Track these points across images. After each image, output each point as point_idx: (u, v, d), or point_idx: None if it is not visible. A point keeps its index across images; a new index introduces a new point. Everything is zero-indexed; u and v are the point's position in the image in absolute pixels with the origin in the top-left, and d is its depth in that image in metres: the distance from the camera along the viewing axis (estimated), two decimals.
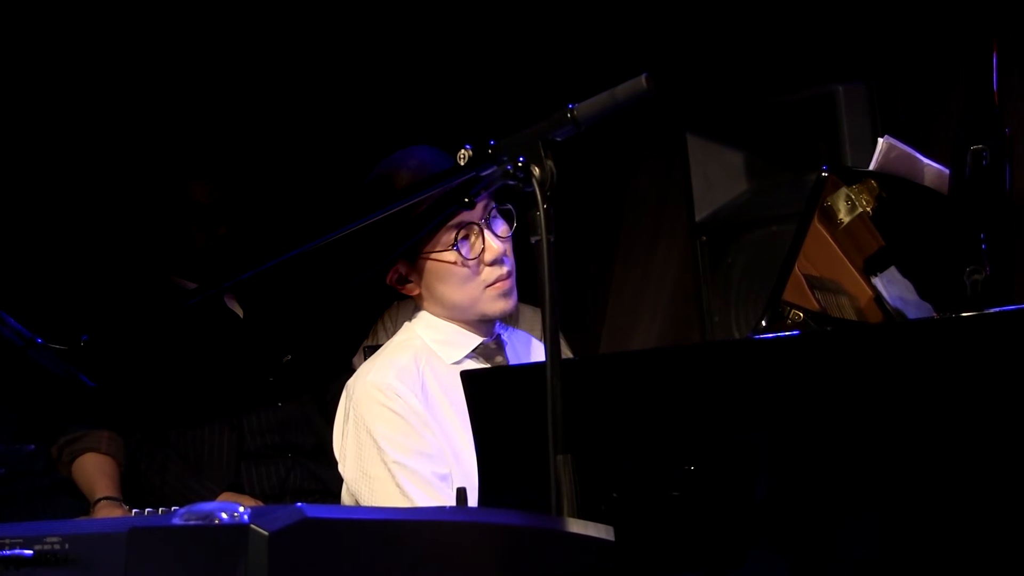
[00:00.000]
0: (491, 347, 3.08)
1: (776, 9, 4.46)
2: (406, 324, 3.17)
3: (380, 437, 2.93)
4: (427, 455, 2.92)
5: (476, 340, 3.06)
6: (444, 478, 2.91)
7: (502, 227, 3.04)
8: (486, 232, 2.99)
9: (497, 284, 3.01)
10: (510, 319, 3.19)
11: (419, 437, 2.92)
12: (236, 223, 4.18)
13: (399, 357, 3.05)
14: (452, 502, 2.65)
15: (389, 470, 2.92)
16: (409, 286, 3.08)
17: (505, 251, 3.03)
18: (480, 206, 2.98)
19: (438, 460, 2.92)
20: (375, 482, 2.95)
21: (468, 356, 3.05)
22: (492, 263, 3.00)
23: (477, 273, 3.00)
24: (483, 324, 3.06)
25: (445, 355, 3.04)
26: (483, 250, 2.99)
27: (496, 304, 3.02)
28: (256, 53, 4.77)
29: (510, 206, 3.03)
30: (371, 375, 3.02)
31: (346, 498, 3.07)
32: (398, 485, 2.90)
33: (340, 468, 3.06)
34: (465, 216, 2.96)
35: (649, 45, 4.69)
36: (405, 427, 2.93)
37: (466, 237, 2.99)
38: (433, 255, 3.00)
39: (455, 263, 2.99)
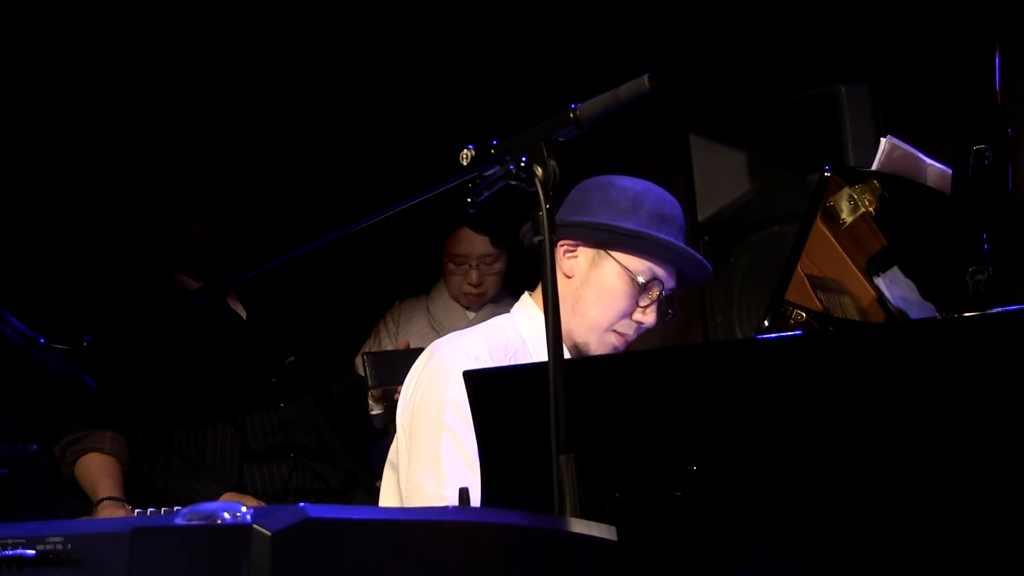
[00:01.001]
0: None
1: (779, 10, 4.46)
2: (505, 314, 3.16)
3: (447, 399, 2.90)
4: None
5: (565, 354, 3.05)
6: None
7: (668, 314, 3.08)
8: (659, 304, 3.04)
9: (621, 338, 3.05)
10: None
11: None
12: (231, 210, 4.18)
13: (494, 337, 3.04)
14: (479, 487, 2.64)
15: (438, 432, 2.89)
16: (570, 264, 3.07)
17: (649, 326, 3.06)
18: (672, 283, 3.06)
19: None
20: (419, 437, 2.92)
21: None
22: (638, 322, 3.05)
23: (623, 316, 3.04)
24: (575, 348, 3.06)
25: (536, 351, 3.02)
26: (647, 309, 3.04)
27: (602, 348, 3.05)
28: (258, 52, 4.77)
29: (679, 304, 3.10)
30: (463, 341, 3.01)
31: (395, 455, 3.03)
32: (437, 448, 2.87)
33: (401, 417, 3.03)
34: (664, 276, 3.02)
35: (652, 45, 4.70)
36: None
37: (648, 289, 3.02)
38: (623, 262, 3.02)
39: (626, 291, 3.01)
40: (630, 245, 3.00)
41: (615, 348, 3.05)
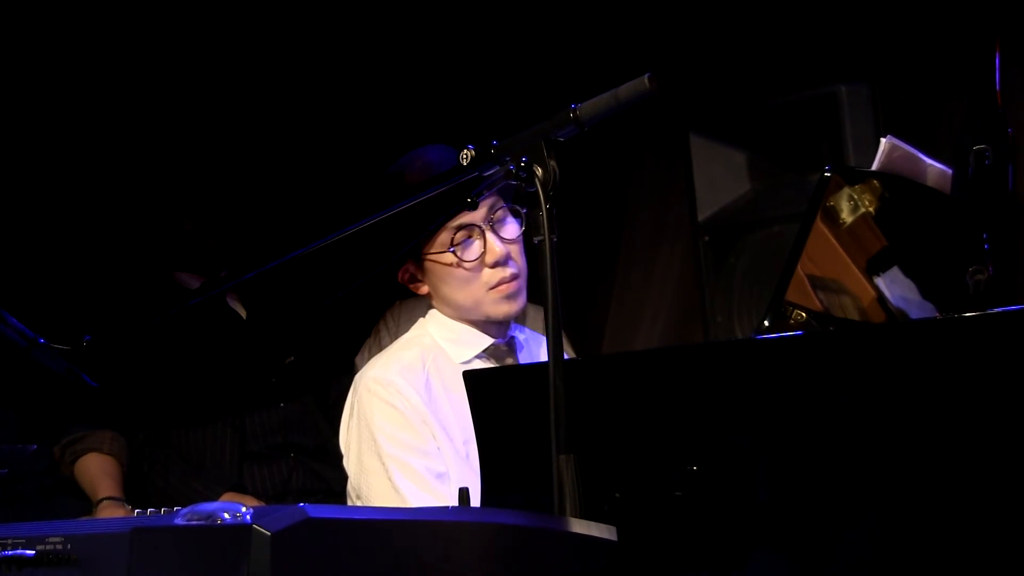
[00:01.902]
0: (502, 348, 3.07)
1: (779, 10, 4.46)
2: (419, 320, 3.17)
3: (378, 431, 2.94)
4: (424, 451, 2.92)
5: (487, 341, 3.05)
6: (441, 476, 2.91)
7: (508, 228, 3.02)
8: (488, 234, 2.98)
9: (500, 287, 3.00)
10: (523, 320, 3.18)
11: (417, 433, 2.93)
12: (227, 209, 4.18)
13: (405, 353, 3.05)
14: (448, 500, 2.66)
15: (384, 464, 2.93)
16: (418, 285, 3.10)
17: (509, 253, 3.00)
18: (485, 207, 2.96)
19: (435, 457, 2.92)
20: (371, 475, 2.96)
21: (478, 356, 3.04)
22: (494, 265, 2.99)
23: (478, 275, 3.00)
24: (493, 325, 3.05)
25: (454, 354, 3.03)
26: (484, 252, 2.98)
27: (499, 307, 3.01)
28: (258, 52, 4.77)
29: (519, 207, 3.01)
30: (374, 370, 3.03)
31: (351, 491, 3.07)
32: (390, 479, 2.91)
33: (344, 462, 3.07)
34: (466, 217, 2.95)
35: (652, 45, 4.69)
36: (403, 422, 2.94)
37: (469, 238, 2.98)
38: (431, 256, 3.00)
39: (453, 264, 2.98)
40: (413, 236, 2.93)
41: (508, 296, 3.00)
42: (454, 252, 2.96)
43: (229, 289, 4.18)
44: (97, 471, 3.88)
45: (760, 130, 4.38)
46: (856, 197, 2.79)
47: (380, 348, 4.65)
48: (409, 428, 2.93)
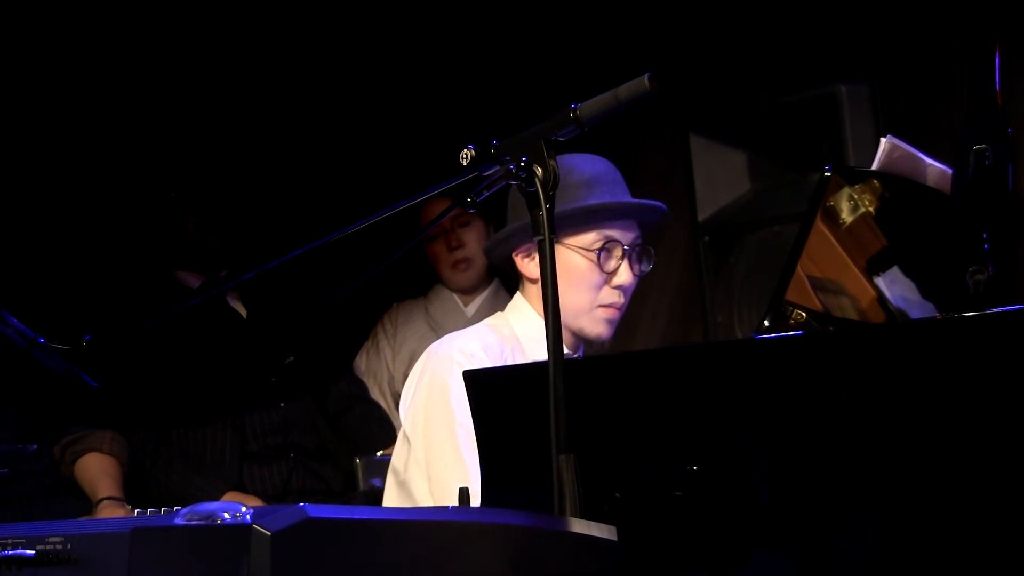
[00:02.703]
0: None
1: (779, 10, 4.46)
2: (499, 312, 3.17)
3: (454, 399, 2.91)
4: None
5: (563, 349, 3.04)
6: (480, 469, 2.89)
7: (643, 264, 3.06)
8: (627, 260, 3.02)
9: (608, 308, 3.03)
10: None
11: None
12: (228, 207, 4.18)
13: (488, 336, 3.05)
14: None
15: (454, 432, 2.90)
16: (532, 266, 3.08)
17: (631, 284, 3.05)
18: (633, 234, 3.03)
19: None
20: (436, 442, 2.93)
21: None
22: (616, 287, 3.02)
23: (600, 288, 3.02)
24: (573, 338, 3.05)
25: (530, 351, 3.02)
26: (616, 272, 3.01)
27: (598, 327, 3.04)
28: (259, 52, 4.77)
29: (652, 249, 3.07)
30: (459, 341, 3.02)
31: (399, 460, 3.04)
32: (456, 448, 2.89)
33: (406, 425, 3.03)
34: (616, 232, 3.00)
35: (652, 45, 4.70)
36: None
37: (610, 251, 3.01)
38: (575, 246, 3.00)
39: (589, 263, 3.00)
40: (569, 224, 2.98)
41: (610, 320, 3.04)
42: (599, 255, 2.98)
43: (230, 288, 4.19)
44: (97, 471, 3.88)
45: (760, 130, 4.38)
46: (856, 197, 2.79)
47: (378, 350, 4.66)
48: None
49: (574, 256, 3.00)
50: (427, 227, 3.43)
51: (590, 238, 3.00)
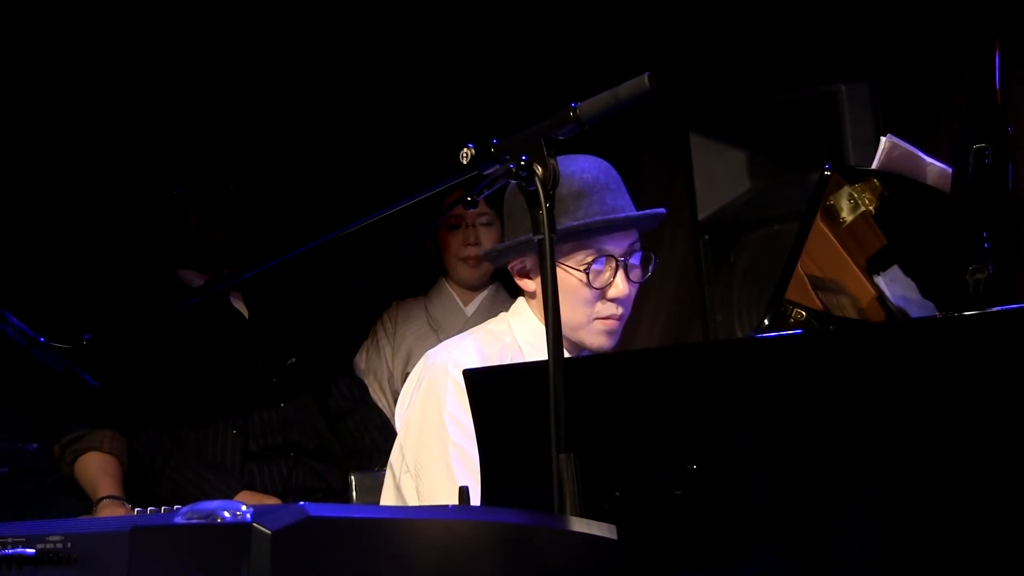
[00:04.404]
0: None
1: (779, 9, 4.46)
2: (502, 314, 3.16)
3: (447, 416, 2.92)
4: None
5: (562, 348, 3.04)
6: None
7: (637, 272, 3.04)
8: (621, 271, 3.00)
9: (608, 321, 3.01)
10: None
11: None
12: (231, 205, 4.18)
13: (488, 347, 3.04)
14: None
15: (446, 448, 2.91)
16: (528, 282, 3.07)
17: (629, 294, 3.02)
18: (627, 243, 3.01)
19: None
20: (429, 455, 2.93)
21: None
22: (612, 299, 3.00)
23: (595, 302, 3.00)
24: (575, 348, 3.05)
25: (531, 358, 3.01)
26: (610, 284, 2.99)
27: (597, 338, 3.02)
28: (259, 51, 4.77)
29: (653, 254, 3.05)
30: (455, 353, 3.01)
31: (395, 461, 3.04)
32: (448, 465, 2.89)
33: (400, 432, 3.04)
34: (608, 245, 2.97)
35: (652, 44, 4.70)
36: None
37: (601, 266, 2.99)
38: (565, 265, 2.98)
39: (580, 283, 2.98)
40: (560, 243, 2.94)
41: (610, 332, 3.02)
42: (587, 273, 2.96)
43: (232, 287, 4.18)
44: (97, 470, 3.88)
45: (760, 129, 4.38)
46: (856, 196, 2.79)
47: (378, 349, 4.66)
48: None
49: (566, 273, 2.98)
50: (433, 223, 3.43)
51: (580, 254, 2.98)
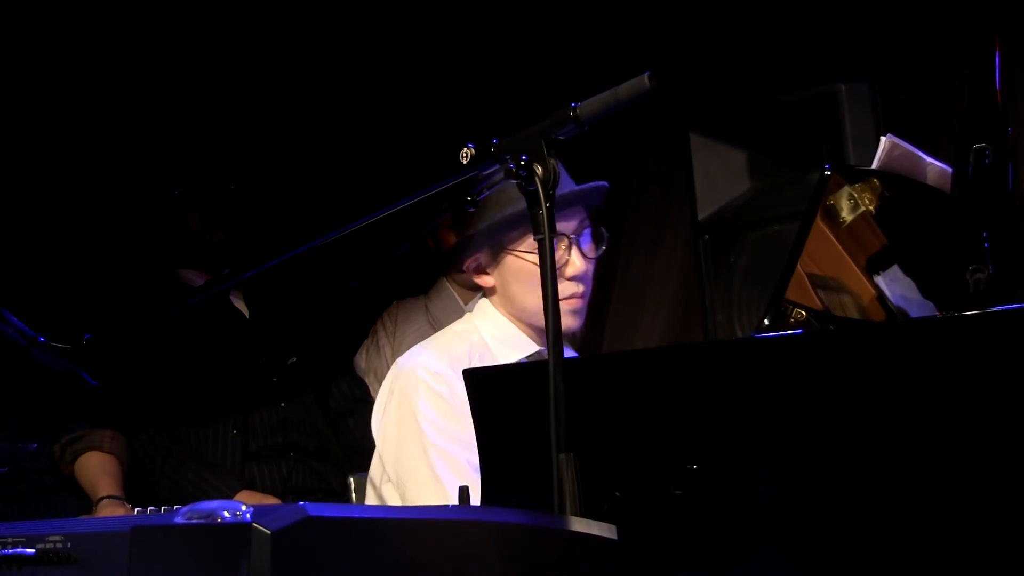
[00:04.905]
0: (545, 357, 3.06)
1: (779, 9, 4.46)
2: (467, 315, 3.18)
3: (422, 419, 2.94)
4: (467, 444, 2.90)
5: (533, 347, 3.06)
6: (479, 469, 2.90)
7: (591, 247, 3.04)
8: (574, 248, 3.00)
9: (570, 300, 3.01)
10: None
11: (462, 426, 2.92)
12: (232, 205, 4.18)
13: (455, 347, 3.06)
14: None
15: (426, 451, 2.93)
16: (485, 278, 3.09)
17: (587, 271, 3.03)
18: (576, 220, 3.01)
19: (475, 450, 2.92)
20: (411, 460, 2.95)
21: (522, 360, 3.04)
22: (571, 278, 3.01)
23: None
24: (543, 333, 3.05)
25: (500, 354, 3.03)
26: (566, 263, 3.00)
27: (563, 320, 3.01)
28: (259, 51, 4.77)
29: (604, 229, 3.05)
30: (423, 357, 3.03)
31: (385, 474, 3.06)
32: (431, 468, 2.90)
33: (378, 443, 3.06)
34: (560, 225, 2.96)
35: (652, 44, 4.70)
36: (450, 413, 2.93)
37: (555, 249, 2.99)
38: (518, 252, 2.99)
39: (535, 267, 2.97)
40: (509, 229, 2.97)
41: (575, 311, 3.03)
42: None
43: (233, 287, 4.18)
44: (97, 470, 3.88)
45: (760, 129, 4.38)
46: (856, 196, 2.79)
47: (378, 348, 4.66)
48: (455, 419, 2.93)
49: (519, 260, 2.99)
50: (433, 223, 3.44)
51: (531, 239, 2.97)
